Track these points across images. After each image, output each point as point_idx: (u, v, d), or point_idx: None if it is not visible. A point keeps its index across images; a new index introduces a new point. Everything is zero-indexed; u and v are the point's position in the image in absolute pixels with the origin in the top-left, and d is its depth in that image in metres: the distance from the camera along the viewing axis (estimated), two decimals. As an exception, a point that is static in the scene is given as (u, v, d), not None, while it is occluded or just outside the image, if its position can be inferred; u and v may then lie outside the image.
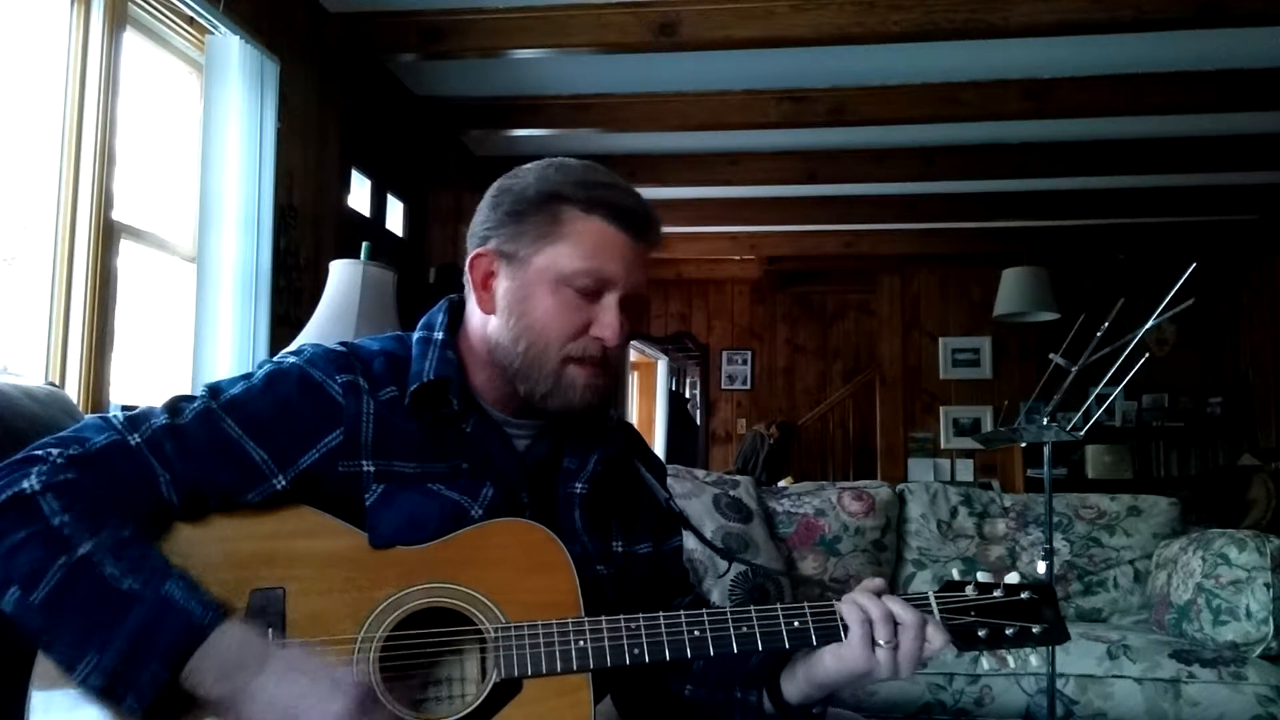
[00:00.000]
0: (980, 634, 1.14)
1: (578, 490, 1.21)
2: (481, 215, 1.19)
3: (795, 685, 1.17)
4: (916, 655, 1.10)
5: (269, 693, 0.96)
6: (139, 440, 1.05)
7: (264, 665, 0.97)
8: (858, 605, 1.11)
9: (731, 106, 4.36)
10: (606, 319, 1.14)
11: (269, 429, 1.09)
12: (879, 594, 1.13)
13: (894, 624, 1.10)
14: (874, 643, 1.10)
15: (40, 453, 1.02)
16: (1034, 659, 1.17)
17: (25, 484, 0.99)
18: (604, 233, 1.14)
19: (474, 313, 1.20)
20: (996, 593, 1.16)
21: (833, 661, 1.12)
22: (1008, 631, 1.14)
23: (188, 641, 0.96)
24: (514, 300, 1.15)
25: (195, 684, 0.96)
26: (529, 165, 1.19)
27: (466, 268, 1.19)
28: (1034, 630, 1.14)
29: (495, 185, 1.20)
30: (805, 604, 1.13)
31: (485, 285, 1.18)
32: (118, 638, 0.95)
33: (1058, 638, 1.15)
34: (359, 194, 4.27)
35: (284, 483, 1.09)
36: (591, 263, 1.13)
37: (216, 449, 1.07)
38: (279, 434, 1.09)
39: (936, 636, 1.11)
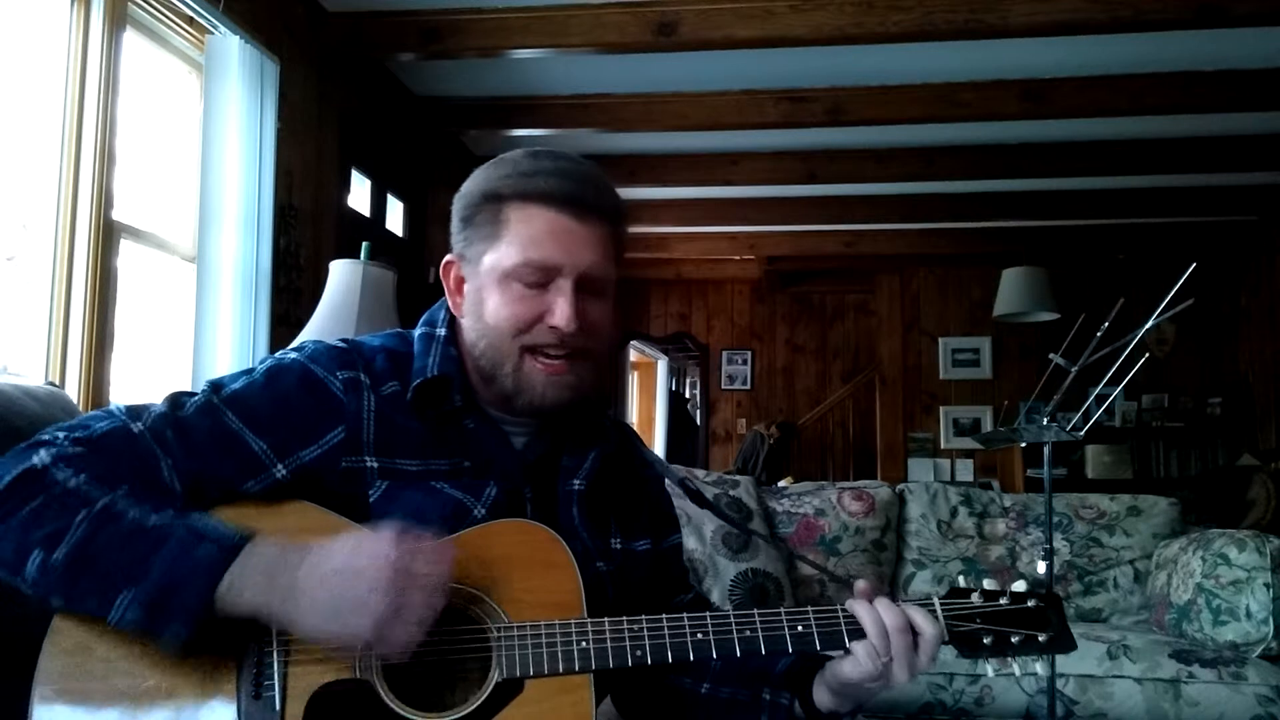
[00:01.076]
0: (985, 641, 1.13)
1: (576, 487, 1.21)
2: (451, 224, 1.21)
3: (822, 693, 1.17)
4: (907, 657, 1.09)
5: (315, 581, 0.97)
6: (142, 427, 1.07)
7: (301, 561, 0.98)
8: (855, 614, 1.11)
9: (731, 106, 4.36)
10: (558, 305, 1.12)
11: (270, 423, 1.10)
12: (869, 598, 1.12)
13: (885, 632, 1.09)
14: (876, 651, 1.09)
15: (47, 437, 1.05)
16: (1038, 665, 1.16)
17: (35, 460, 1.01)
18: (542, 220, 1.13)
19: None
20: (1002, 600, 1.16)
21: (847, 667, 1.11)
22: (1013, 639, 1.13)
23: (224, 557, 0.97)
24: (474, 303, 1.17)
25: (235, 597, 0.97)
26: (480, 168, 1.20)
27: (441, 276, 1.21)
28: (1040, 639, 1.14)
29: (457, 193, 1.21)
30: (809, 608, 1.13)
31: (458, 290, 1.20)
32: (153, 568, 0.96)
33: (1063, 646, 1.15)
34: (359, 194, 4.26)
35: (284, 472, 1.09)
36: (530, 253, 1.12)
37: (217, 441, 1.08)
38: (280, 427, 1.10)
39: (927, 628, 1.10)
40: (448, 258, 1.21)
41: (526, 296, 1.13)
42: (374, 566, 0.97)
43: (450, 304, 1.21)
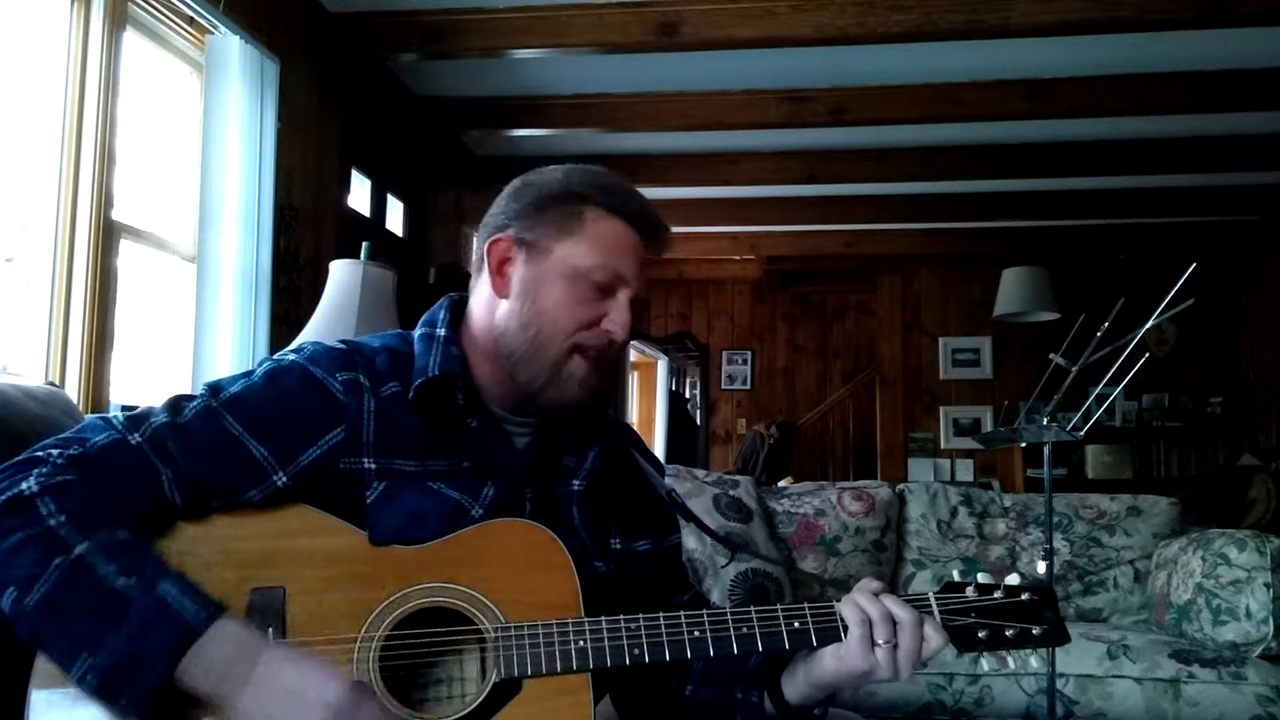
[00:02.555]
0: (980, 635, 1.14)
1: (575, 487, 1.22)
2: (501, 205, 1.22)
3: (795, 686, 1.18)
4: (915, 654, 1.11)
5: (260, 691, 0.95)
6: (140, 439, 1.05)
7: (256, 663, 0.96)
8: (856, 605, 1.12)
9: (732, 106, 4.36)
10: (618, 315, 1.17)
11: (270, 426, 1.09)
12: (877, 594, 1.14)
13: (892, 623, 1.11)
14: (873, 642, 1.10)
15: (41, 454, 1.02)
16: (1034, 660, 1.17)
17: (24, 485, 0.99)
18: (623, 234, 1.19)
19: (479, 303, 1.22)
20: (997, 594, 1.17)
21: (832, 662, 1.13)
22: (1008, 633, 1.14)
23: (182, 641, 0.95)
24: (529, 287, 1.17)
25: (189, 683, 0.95)
26: (553, 166, 1.24)
27: (484, 251, 1.20)
28: (1034, 632, 1.15)
29: (518, 179, 1.24)
30: (805, 604, 1.13)
31: (501, 270, 1.20)
32: (113, 639, 0.94)
33: (1058, 639, 1.16)
34: (359, 194, 4.26)
35: (285, 479, 1.09)
36: (610, 259, 1.17)
37: (218, 447, 1.07)
38: (280, 431, 1.10)
39: (935, 636, 1.11)
40: (497, 235, 1.20)
41: (591, 299, 1.17)
42: (319, 701, 0.95)
43: (491, 283, 1.20)
